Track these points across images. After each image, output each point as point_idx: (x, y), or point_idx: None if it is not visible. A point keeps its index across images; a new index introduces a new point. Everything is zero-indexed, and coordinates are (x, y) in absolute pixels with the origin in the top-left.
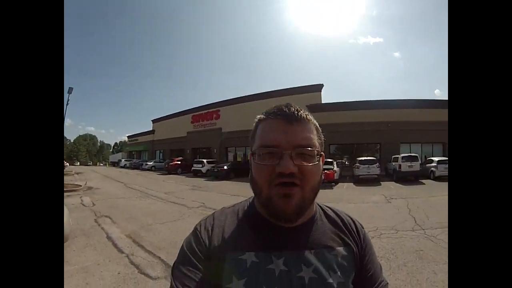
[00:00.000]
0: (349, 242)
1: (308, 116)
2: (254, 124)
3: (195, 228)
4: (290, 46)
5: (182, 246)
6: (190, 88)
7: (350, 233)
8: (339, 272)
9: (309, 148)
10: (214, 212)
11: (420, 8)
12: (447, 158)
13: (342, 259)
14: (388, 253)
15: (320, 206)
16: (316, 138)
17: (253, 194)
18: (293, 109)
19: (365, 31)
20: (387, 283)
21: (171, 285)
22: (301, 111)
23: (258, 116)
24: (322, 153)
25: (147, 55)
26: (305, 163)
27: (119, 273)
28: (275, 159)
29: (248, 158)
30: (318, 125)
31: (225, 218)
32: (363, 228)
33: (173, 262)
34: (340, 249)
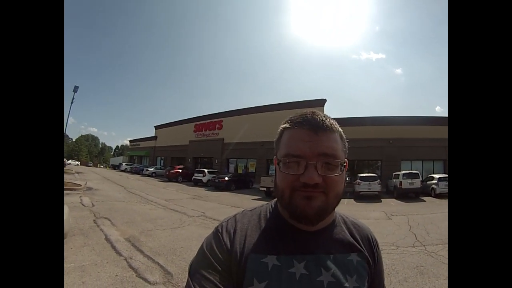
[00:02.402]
0: (364, 249)
1: (333, 125)
2: (278, 131)
3: (216, 230)
4: (294, 58)
5: (202, 246)
6: (193, 96)
7: (365, 242)
8: (354, 277)
9: (334, 159)
10: (236, 214)
11: (423, 25)
12: (447, 175)
13: (357, 264)
14: (389, 268)
15: (340, 214)
16: (340, 148)
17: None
18: (318, 118)
19: (367, 47)
20: None
21: (187, 284)
22: (327, 120)
23: (284, 124)
24: (346, 161)
25: (154, 61)
26: (329, 173)
27: (116, 275)
28: (300, 168)
29: (274, 164)
30: (342, 133)
31: (248, 221)
32: (376, 240)
33: (190, 261)
34: (355, 255)
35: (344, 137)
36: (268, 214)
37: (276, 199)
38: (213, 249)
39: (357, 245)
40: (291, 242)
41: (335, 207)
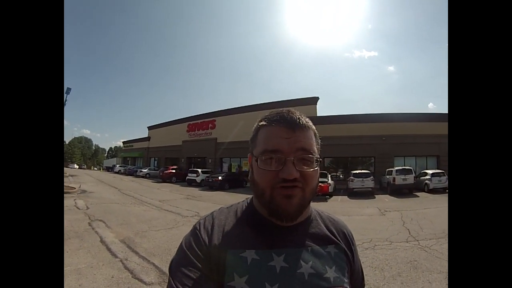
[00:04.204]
0: (340, 241)
1: (308, 123)
2: (254, 128)
3: (194, 227)
4: (287, 57)
5: (181, 245)
6: (187, 96)
7: (341, 235)
8: (334, 268)
9: (310, 155)
10: (213, 212)
11: (415, 23)
12: (441, 171)
13: (335, 256)
14: (382, 263)
15: (315, 209)
16: (315, 144)
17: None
18: (295, 116)
19: (360, 45)
20: None
21: (169, 283)
22: (302, 118)
23: (260, 122)
24: (319, 158)
25: (147, 61)
26: (306, 168)
27: (112, 277)
28: (278, 164)
29: (249, 161)
30: (316, 131)
31: (225, 217)
32: (352, 234)
33: (170, 261)
34: (333, 247)
35: (318, 135)
36: (245, 210)
37: (252, 196)
38: (192, 247)
39: (334, 237)
40: (269, 236)
41: (310, 201)
